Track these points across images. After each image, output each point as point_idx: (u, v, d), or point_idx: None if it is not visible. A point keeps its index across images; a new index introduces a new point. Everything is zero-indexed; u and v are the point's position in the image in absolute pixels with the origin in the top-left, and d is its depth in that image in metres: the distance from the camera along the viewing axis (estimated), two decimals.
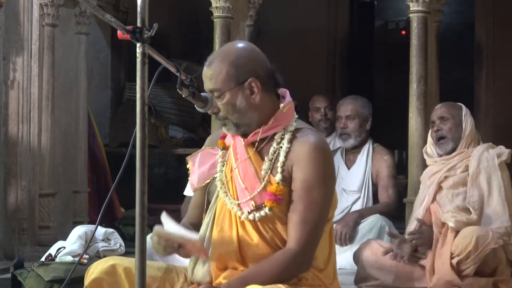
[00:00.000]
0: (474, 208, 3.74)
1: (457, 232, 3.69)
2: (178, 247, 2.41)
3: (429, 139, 4.07)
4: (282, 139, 2.50)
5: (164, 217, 2.45)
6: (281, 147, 2.48)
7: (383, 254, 3.86)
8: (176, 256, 2.69)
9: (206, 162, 2.61)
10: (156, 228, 2.41)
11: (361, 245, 4.06)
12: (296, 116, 2.56)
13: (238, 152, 2.52)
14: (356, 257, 4.02)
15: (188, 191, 4.29)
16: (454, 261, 3.62)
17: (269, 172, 2.47)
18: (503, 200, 3.74)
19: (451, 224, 3.70)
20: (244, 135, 2.52)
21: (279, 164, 2.46)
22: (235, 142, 2.54)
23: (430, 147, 4.06)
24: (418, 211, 3.94)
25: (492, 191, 3.77)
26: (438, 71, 5.29)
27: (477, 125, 6.22)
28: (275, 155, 2.48)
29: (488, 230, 3.65)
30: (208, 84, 2.49)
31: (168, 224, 2.42)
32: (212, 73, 2.48)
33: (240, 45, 2.57)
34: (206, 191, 2.61)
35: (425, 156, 4.10)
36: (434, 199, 3.90)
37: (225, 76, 2.46)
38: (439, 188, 3.89)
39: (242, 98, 2.47)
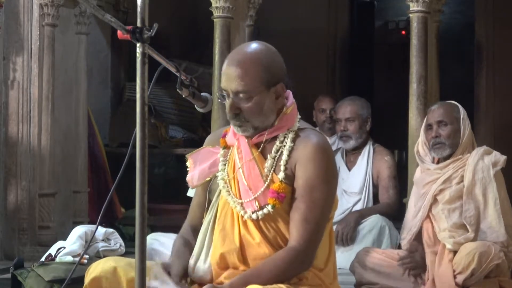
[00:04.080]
0: (470, 224, 3.67)
1: (455, 251, 3.66)
2: None
3: (422, 138, 3.95)
4: (285, 137, 2.51)
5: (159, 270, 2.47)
6: (284, 146, 2.49)
7: (403, 273, 3.81)
8: None
9: (206, 160, 2.62)
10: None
11: (358, 253, 4.05)
12: (299, 116, 2.57)
13: (243, 152, 2.52)
14: (354, 265, 4.00)
15: (190, 192, 4.29)
16: (459, 279, 3.57)
17: (272, 171, 2.48)
18: (498, 214, 3.67)
19: (449, 246, 3.65)
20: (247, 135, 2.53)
21: (282, 163, 2.47)
22: (239, 142, 2.53)
23: (422, 148, 3.95)
24: (413, 222, 3.88)
25: (487, 203, 3.69)
26: (438, 71, 5.28)
27: (477, 125, 6.28)
28: (278, 153, 2.49)
29: (489, 245, 3.59)
30: (234, 84, 2.45)
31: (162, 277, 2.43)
32: (241, 74, 2.44)
33: (266, 47, 2.53)
34: (208, 190, 2.62)
35: (417, 159, 3.97)
36: (429, 211, 3.81)
37: (258, 79, 2.44)
38: (435, 200, 3.81)
39: (269, 102, 2.48)
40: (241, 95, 2.45)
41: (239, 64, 2.45)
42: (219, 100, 2.53)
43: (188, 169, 2.65)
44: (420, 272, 3.80)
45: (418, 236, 3.84)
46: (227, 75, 2.47)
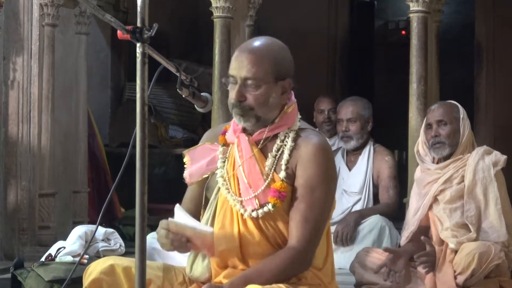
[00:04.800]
0: (472, 223, 3.67)
1: (456, 251, 3.66)
2: (186, 241, 2.41)
3: (422, 137, 3.95)
4: (286, 137, 2.51)
5: (178, 208, 2.46)
6: (285, 145, 2.50)
7: (376, 270, 3.78)
8: (175, 256, 2.69)
9: (204, 157, 2.61)
10: (167, 220, 2.40)
11: (358, 253, 4.05)
12: (299, 116, 2.57)
13: (243, 149, 2.52)
14: (354, 266, 4.00)
15: None
16: (459, 280, 3.57)
17: (272, 169, 2.48)
18: (499, 213, 3.66)
19: (451, 245, 3.65)
20: (248, 133, 2.53)
21: (283, 162, 2.47)
22: (239, 140, 2.53)
23: (422, 147, 3.94)
24: (412, 220, 3.87)
25: (488, 203, 3.69)
26: (438, 71, 5.29)
27: (477, 125, 6.28)
28: (278, 152, 2.50)
29: (489, 245, 3.58)
30: (244, 71, 2.46)
31: (181, 216, 2.43)
32: (252, 61, 2.45)
33: (278, 42, 2.56)
34: (205, 187, 2.61)
35: (417, 159, 3.97)
36: (430, 209, 3.80)
37: (268, 68, 2.46)
38: (435, 200, 3.80)
39: (275, 95, 2.49)
40: (249, 81, 2.46)
41: (251, 52, 2.47)
42: (225, 85, 2.53)
43: (185, 166, 2.65)
44: (433, 269, 3.75)
45: (423, 233, 3.82)
46: (238, 62, 2.48)
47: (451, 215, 3.73)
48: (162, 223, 2.41)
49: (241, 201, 2.48)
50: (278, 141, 2.51)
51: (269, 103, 2.48)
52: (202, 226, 2.44)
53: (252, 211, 2.46)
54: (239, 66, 2.47)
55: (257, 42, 2.53)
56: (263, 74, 2.46)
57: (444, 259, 3.68)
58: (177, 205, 2.49)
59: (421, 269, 3.74)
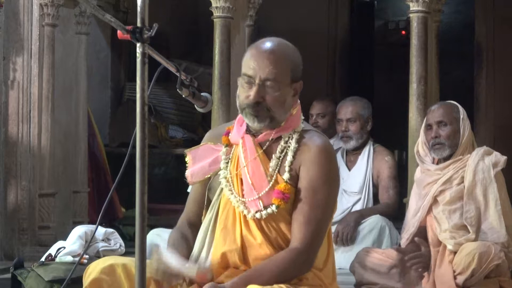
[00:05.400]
0: (471, 225, 3.67)
1: (455, 252, 3.66)
2: (176, 274, 2.40)
3: (422, 138, 3.95)
4: (289, 138, 2.51)
5: (163, 249, 2.43)
6: (288, 146, 2.50)
7: (388, 271, 3.79)
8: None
9: (207, 157, 2.60)
10: (156, 256, 2.39)
11: (358, 253, 4.05)
12: (303, 117, 2.58)
13: (248, 150, 2.51)
14: (354, 266, 4.00)
15: (190, 189, 4.28)
16: (459, 280, 3.57)
17: (276, 171, 2.48)
18: (499, 214, 3.66)
19: (449, 246, 3.65)
20: (253, 134, 2.53)
21: (286, 164, 2.48)
22: (244, 141, 2.53)
23: (422, 148, 3.94)
24: (411, 222, 3.88)
25: (488, 204, 3.69)
26: (438, 71, 5.29)
27: (477, 125, 6.28)
28: (282, 154, 2.50)
29: (489, 245, 3.58)
30: (265, 72, 2.44)
31: (167, 256, 2.41)
32: (274, 62, 2.44)
33: (291, 44, 2.57)
34: (207, 187, 2.61)
35: (417, 159, 3.97)
36: (429, 210, 3.81)
37: (287, 70, 2.47)
38: (435, 201, 3.80)
39: (290, 97, 2.50)
40: (268, 83, 2.45)
41: (272, 53, 2.46)
42: (242, 86, 2.49)
43: (187, 165, 2.64)
44: (426, 270, 3.77)
45: (423, 233, 3.82)
46: (258, 62, 2.45)
47: (450, 216, 3.73)
48: (154, 256, 2.38)
49: (245, 202, 2.48)
50: (282, 143, 2.51)
51: (285, 104, 2.49)
52: (185, 268, 2.38)
53: (256, 212, 2.46)
54: (259, 67, 2.45)
55: (274, 43, 2.51)
56: (283, 76, 2.46)
57: (442, 260, 3.68)
58: (160, 248, 2.43)
59: (413, 272, 3.75)
